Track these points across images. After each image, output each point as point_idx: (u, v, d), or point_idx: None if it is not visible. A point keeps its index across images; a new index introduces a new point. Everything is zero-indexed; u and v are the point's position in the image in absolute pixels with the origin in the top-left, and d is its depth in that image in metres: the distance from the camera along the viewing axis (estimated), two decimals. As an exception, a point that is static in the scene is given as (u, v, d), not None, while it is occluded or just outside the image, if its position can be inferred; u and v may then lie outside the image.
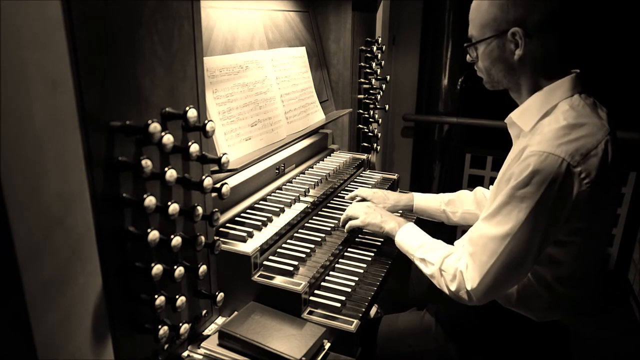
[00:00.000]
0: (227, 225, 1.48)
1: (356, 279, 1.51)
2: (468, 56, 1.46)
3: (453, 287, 1.34)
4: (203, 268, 1.17)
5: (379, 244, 1.73)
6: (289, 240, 1.59)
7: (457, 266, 1.34)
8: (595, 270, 1.44)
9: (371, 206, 1.71)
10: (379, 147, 2.80)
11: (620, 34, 3.16)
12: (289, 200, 1.69)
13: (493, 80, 1.41)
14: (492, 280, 1.27)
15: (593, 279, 1.44)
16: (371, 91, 2.61)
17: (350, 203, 1.85)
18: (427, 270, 1.44)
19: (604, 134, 1.23)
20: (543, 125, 1.28)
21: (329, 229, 1.68)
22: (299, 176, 1.95)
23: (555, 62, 1.32)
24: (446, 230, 2.56)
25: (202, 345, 1.26)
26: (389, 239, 1.65)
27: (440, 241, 1.49)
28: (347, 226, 1.67)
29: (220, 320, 1.38)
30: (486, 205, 1.34)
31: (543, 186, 1.18)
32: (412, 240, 1.52)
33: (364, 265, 1.59)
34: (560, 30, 1.29)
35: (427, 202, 1.89)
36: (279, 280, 1.36)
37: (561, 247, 1.31)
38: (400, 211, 1.94)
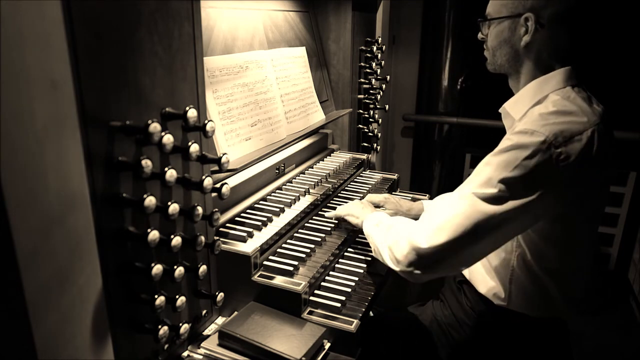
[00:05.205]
0: (227, 225, 1.48)
1: (356, 279, 1.51)
2: (480, 33, 1.48)
3: (400, 254, 1.27)
4: (203, 268, 1.17)
5: (379, 244, 1.73)
6: (289, 240, 1.59)
7: (407, 236, 1.27)
8: (588, 268, 1.44)
9: (357, 202, 1.72)
10: (379, 147, 2.79)
11: (622, 33, 3.16)
12: (289, 200, 1.69)
13: (496, 62, 1.44)
14: (439, 235, 1.20)
15: (586, 276, 1.44)
16: (371, 91, 2.61)
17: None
18: (376, 240, 1.40)
19: (592, 124, 1.24)
20: (533, 111, 1.29)
21: (329, 229, 1.68)
22: (299, 176, 1.95)
23: (558, 57, 1.34)
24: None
25: (202, 345, 1.26)
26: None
27: (402, 218, 1.44)
28: (331, 214, 1.71)
29: (220, 320, 1.38)
30: None
31: (521, 158, 1.18)
32: (373, 220, 1.49)
33: (364, 265, 1.59)
34: (571, 27, 1.31)
35: None
36: (279, 280, 1.36)
37: (546, 237, 1.31)
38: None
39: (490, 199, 1.19)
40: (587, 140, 1.21)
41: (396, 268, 1.31)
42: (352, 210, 1.65)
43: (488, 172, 1.22)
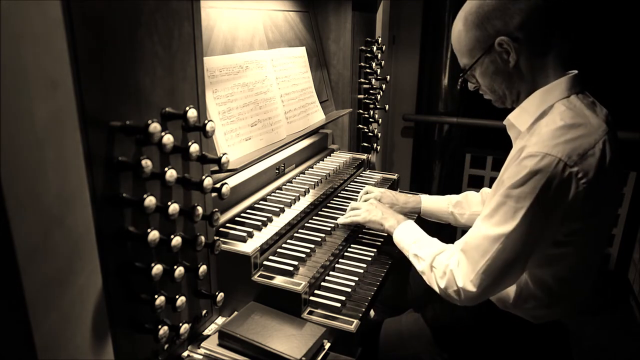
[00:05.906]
0: (227, 225, 1.48)
1: (356, 279, 1.51)
2: (470, 84, 1.49)
3: (442, 284, 1.35)
4: (203, 268, 1.17)
5: (379, 243, 1.73)
6: (289, 240, 1.59)
7: (448, 263, 1.34)
8: (595, 271, 1.44)
9: (374, 203, 1.74)
10: (379, 147, 2.80)
11: (620, 33, 3.16)
12: (289, 200, 1.69)
13: (499, 96, 1.43)
14: (484, 279, 1.27)
15: (592, 279, 1.44)
16: (371, 91, 2.61)
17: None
18: (418, 266, 1.45)
19: (601, 134, 1.23)
20: (540, 126, 1.28)
21: (329, 229, 1.68)
22: (299, 176, 1.95)
23: (548, 60, 1.32)
24: (447, 231, 2.56)
25: (202, 345, 1.26)
26: (389, 239, 1.66)
27: (435, 239, 1.50)
28: (348, 221, 1.70)
29: (220, 320, 1.38)
30: (485, 206, 1.35)
31: (539, 186, 1.18)
32: (408, 236, 1.54)
33: (364, 265, 1.59)
34: (544, 27, 1.30)
35: (435, 204, 1.90)
36: (279, 280, 1.36)
37: (560, 247, 1.31)
38: (407, 213, 1.94)
39: (522, 232, 1.22)
40: (600, 153, 1.21)
41: (440, 294, 1.39)
42: (372, 217, 1.67)
43: (512, 205, 1.23)
